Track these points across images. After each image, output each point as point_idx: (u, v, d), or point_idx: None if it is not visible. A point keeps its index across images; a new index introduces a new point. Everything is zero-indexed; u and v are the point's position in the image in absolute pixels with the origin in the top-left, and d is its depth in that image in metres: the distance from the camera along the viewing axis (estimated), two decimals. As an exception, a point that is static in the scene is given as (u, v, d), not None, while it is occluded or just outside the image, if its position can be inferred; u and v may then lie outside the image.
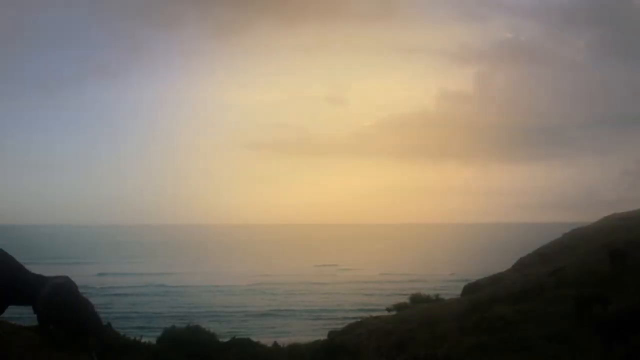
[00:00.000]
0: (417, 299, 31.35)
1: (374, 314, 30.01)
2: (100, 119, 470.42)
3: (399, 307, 30.05)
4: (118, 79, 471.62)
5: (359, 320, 27.79)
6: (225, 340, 18.59)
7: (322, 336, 26.12)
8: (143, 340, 16.22)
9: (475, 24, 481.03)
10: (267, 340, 21.24)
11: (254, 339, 19.63)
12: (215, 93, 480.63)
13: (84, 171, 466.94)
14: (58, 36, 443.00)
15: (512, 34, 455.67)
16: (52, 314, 10.91)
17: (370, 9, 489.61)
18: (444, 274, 76.68)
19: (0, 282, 10.30)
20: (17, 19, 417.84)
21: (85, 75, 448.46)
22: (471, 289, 31.21)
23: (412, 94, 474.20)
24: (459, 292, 33.31)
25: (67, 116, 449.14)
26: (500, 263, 50.70)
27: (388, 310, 30.38)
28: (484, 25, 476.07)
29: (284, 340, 23.23)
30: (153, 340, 16.76)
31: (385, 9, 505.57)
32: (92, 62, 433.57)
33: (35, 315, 11.40)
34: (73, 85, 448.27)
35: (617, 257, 21.32)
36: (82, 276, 71.67)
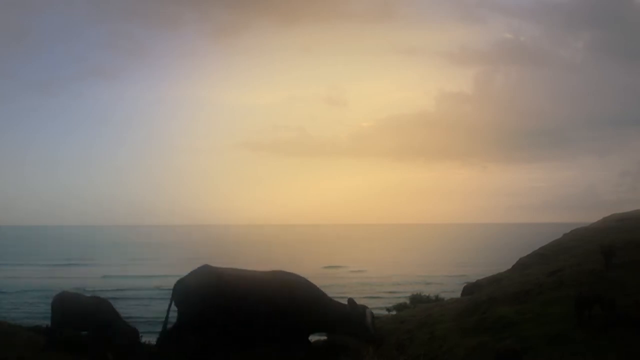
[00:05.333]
0: (417, 299, 31.39)
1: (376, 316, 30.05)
2: (99, 119, 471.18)
3: (399, 307, 30.11)
4: (117, 79, 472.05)
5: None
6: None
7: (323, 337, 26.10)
8: (143, 340, 16.29)
9: (475, 24, 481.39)
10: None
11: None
12: (214, 94, 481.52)
13: (84, 171, 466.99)
14: (57, 36, 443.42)
15: (511, 34, 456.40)
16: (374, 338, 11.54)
17: (370, 9, 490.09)
18: (454, 274, 76.25)
19: (299, 314, 10.44)
20: (17, 19, 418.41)
21: (84, 75, 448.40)
22: (471, 289, 31.21)
23: (411, 95, 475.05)
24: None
25: (66, 116, 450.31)
26: (500, 263, 50.67)
27: (388, 310, 30.44)
28: (483, 26, 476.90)
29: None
30: (153, 341, 16.81)
31: (384, 9, 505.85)
32: (91, 62, 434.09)
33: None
34: (72, 86, 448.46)
35: (609, 255, 21.51)
36: (88, 278, 71.52)
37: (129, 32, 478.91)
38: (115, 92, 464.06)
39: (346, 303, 10.99)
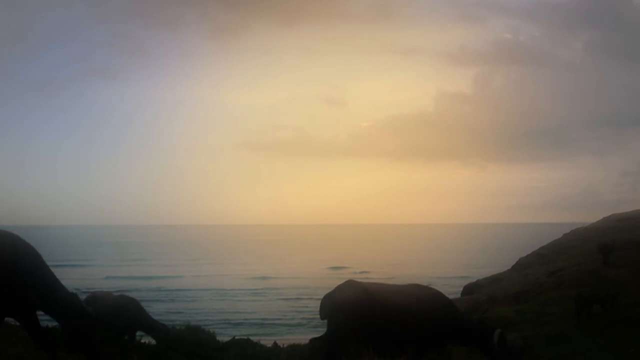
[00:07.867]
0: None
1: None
2: (99, 119, 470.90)
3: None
4: (117, 79, 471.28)
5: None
6: (225, 340, 18.65)
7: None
8: (143, 340, 16.29)
9: (474, 25, 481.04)
10: (267, 341, 21.24)
11: (254, 339, 19.68)
12: (214, 94, 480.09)
13: (84, 171, 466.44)
14: (57, 36, 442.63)
15: (511, 34, 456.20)
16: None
17: (369, 9, 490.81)
18: (454, 274, 75.83)
19: (436, 325, 10.61)
20: (17, 19, 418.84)
21: (84, 75, 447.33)
22: (471, 289, 31.21)
23: (410, 95, 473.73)
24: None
25: (66, 117, 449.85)
26: (500, 263, 50.64)
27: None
28: (482, 26, 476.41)
29: (285, 342, 23.18)
30: (153, 341, 16.81)
31: (384, 9, 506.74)
32: (91, 62, 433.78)
33: None
34: (72, 86, 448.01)
35: (607, 252, 21.57)
36: (90, 279, 71.12)
37: (129, 32, 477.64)
38: (115, 92, 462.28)
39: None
